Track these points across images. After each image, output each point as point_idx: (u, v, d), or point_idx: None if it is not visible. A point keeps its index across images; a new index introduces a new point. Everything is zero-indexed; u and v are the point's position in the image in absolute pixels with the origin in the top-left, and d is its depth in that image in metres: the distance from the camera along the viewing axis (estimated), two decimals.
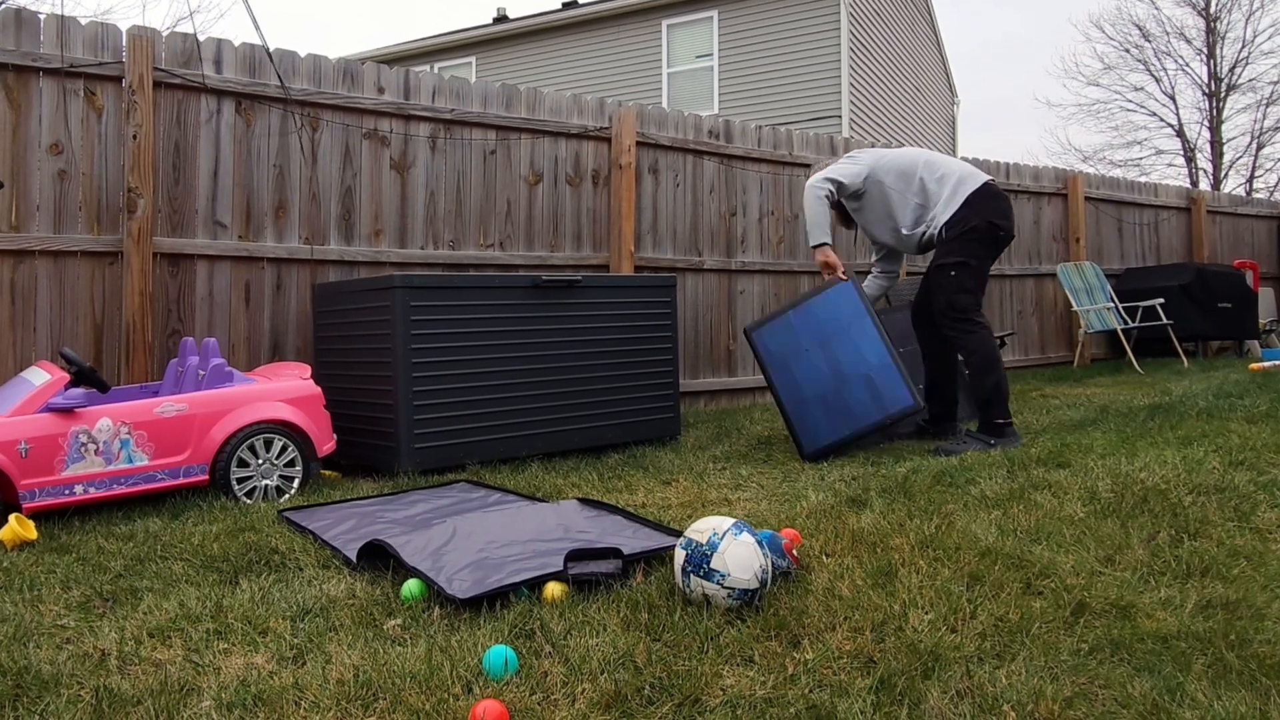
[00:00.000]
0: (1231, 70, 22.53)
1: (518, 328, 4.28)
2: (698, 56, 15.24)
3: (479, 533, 2.67)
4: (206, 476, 3.53)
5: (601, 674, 1.80)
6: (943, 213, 4.21)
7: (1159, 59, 23.51)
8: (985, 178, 4.26)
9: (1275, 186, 24.44)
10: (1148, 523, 2.62)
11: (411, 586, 2.30)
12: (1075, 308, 8.29)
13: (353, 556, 2.62)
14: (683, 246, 6.23)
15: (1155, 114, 23.69)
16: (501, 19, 18.37)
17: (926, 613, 2.05)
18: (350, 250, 4.89)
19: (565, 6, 16.94)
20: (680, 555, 2.18)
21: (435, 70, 16.91)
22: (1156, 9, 29.93)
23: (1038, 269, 8.61)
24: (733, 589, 2.09)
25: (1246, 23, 27.91)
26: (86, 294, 4.22)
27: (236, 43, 4.59)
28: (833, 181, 4.23)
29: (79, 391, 3.36)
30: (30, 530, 3.00)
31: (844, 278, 4.23)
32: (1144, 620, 1.99)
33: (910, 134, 17.17)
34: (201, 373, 3.69)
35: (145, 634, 2.11)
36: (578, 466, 4.12)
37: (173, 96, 4.40)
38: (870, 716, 1.65)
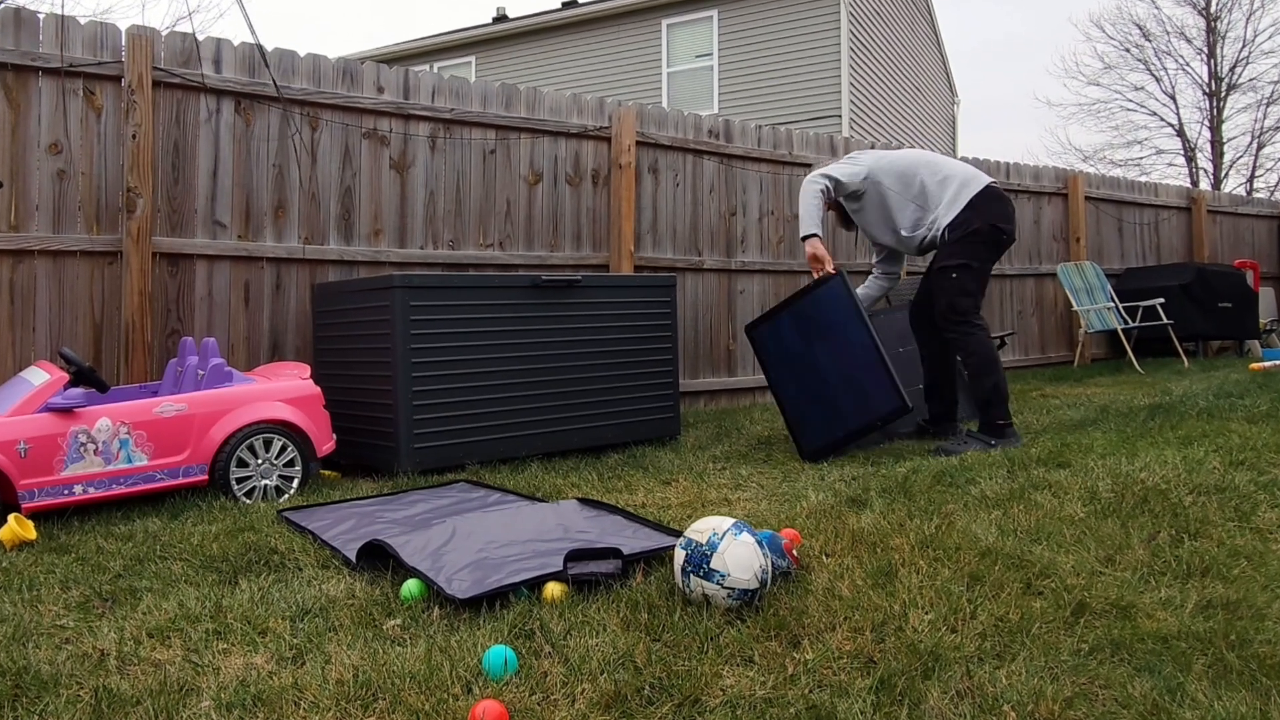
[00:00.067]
0: (1232, 70, 22.55)
1: (517, 328, 4.28)
2: (697, 56, 15.24)
3: (478, 533, 2.67)
4: (206, 476, 3.53)
5: (601, 674, 1.80)
6: (945, 214, 4.21)
7: (1159, 58, 23.55)
8: (988, 180, 4.26)
9: (1276, 186, 24.49)
10: (1148, 523, 2.61)
11: (411, 587, 2.30)
12: (1075, 307, 8.28)
13: (352, 556, 2.62)
14: (682, 246, 6.22)
15: (1155, 113, 23.73)
16: (501, 19, 18.37)
17: (926, 613, 2.05)
18: (350, 250, 4.89)
19: (565, 6, 16.94)
20: (680, 555, 2.18)
21: (435, 70, 16.91)
22: (1157, 8, 29.90)
23: (1038, 269, 8.61)
24: (733, 589, 2.08)
25: (1247, 22, 27.91)
26: (86, 294, 4.21)
27: (236, 42, 4.59)
28: (830, 179, 4.23)
29: (78, 391, 3.36)
30: (29, 530, 3.00)
31: (832, 271, 4.20)
32: (1144, 620, 1.98)
33: (910, 134, 17.16)
34: (201, 372, 3.69)
35: (144, 634, 2.11)
36: (577, 466, 4.12)
37: (172, 96, 4.40)
38: (870, 717, 1.64)
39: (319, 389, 3.86)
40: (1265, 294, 10.20)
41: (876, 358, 4.03)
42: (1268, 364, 7.02)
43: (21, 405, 3.26)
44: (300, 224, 4.76)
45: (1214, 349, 9.29)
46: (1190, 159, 23.34)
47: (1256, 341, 9.15)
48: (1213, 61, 22.65)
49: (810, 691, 1.74)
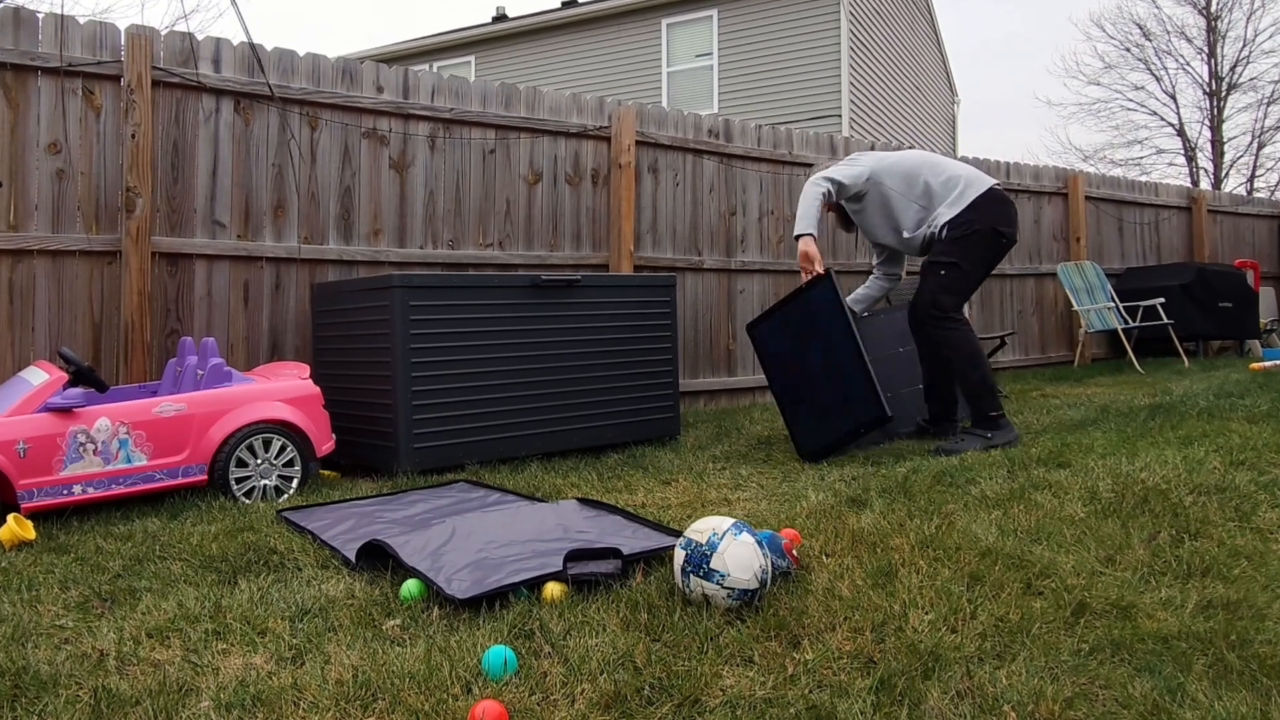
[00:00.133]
0: (1232, 69, 22.55)
1: (517, 327, 4.27)
2: (697, 56, 15.24)
3: (478, 533, 2.67)
4: (205, 476, 3.52)
5: (601, 674, 1.80)
6: (946, 212, 4.20)
7: (1159, 58, 23.55)
8: (991, 181, 4.26)
9: (1276, 186, 24.48)
10: (1148, 523, 2.61)
11: (410, 587, 2.29)
12: (1076, 307, 8.28)
13: (352, 556, 2.62)
14: (682, 246, 6.22)
15: (1156, 113, 23.73)
16: (501, 18, 18.37)
17: (926, 613, 2.05)
18: (349, 250, 4.89)
19: (565, 6, 16.94)
20: (680, 555, 2.17)
21: (434, 69, 16.91)
22: (1157, 8, 29.96)
23: (1038, 268, 8.61)
24: (732, 589, 2.08)
25: (1247, 22, 27.87)
26: (85, 293, 4.21)
27: (235, 42, 4.58)
28: (832, 181, 4.23)
29: (77, 391, 3.35)
30: (29, 530, 3.00)
31: (821, 271, 4.19)
32: (1145, 620, 1.98)
33: (910, 133, 17.16)
34: (200, 372, 3.69)
35: (144, 634, 2.11)
36: (577, 466, 4.11)
37: (171, 96, 4.39)
38: (870, 717, 1.64)
39: (318, 389, 3.86)
40: (1265, 294, 10.20)
41: (860, 364, 4.02)
42: (1268, 364, 7.01)
43: (21, 405, 3.26)
44: (300, 224, 4.76)
45: (1214, 349, 9.29)
46: (1190, 158, 23.35)
47: (1257, 341, 9.15)
48: (1213, 61, 22.66)
49: (810, 692, 1.74)
